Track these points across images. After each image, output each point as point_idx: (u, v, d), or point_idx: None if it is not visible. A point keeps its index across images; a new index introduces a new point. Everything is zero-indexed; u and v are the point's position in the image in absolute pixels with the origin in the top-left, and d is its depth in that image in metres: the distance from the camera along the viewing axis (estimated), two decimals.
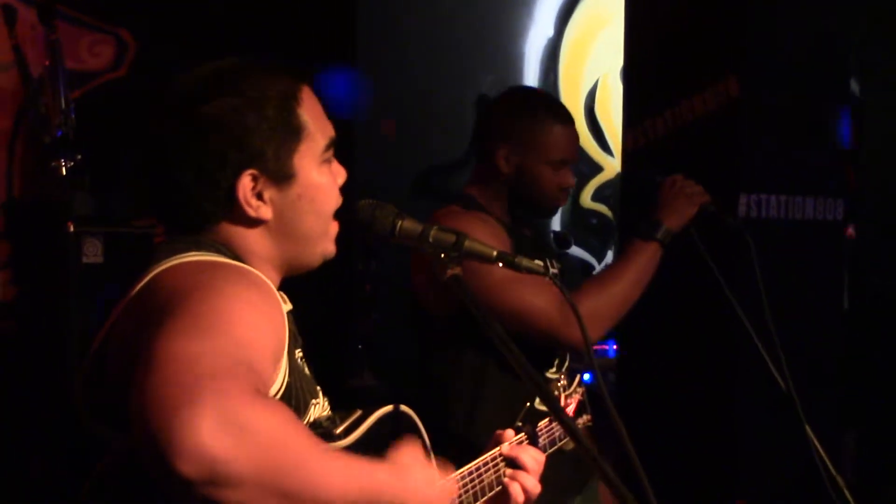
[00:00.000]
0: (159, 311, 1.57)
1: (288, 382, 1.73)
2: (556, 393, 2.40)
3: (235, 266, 1.74)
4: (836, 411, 3.83)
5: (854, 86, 4.16)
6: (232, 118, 1.76)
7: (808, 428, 2.88)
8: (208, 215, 1.79)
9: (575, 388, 2.40)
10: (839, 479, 2.91)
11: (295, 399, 1.75)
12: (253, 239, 1.82)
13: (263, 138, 1.78)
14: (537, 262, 2.05)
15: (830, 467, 2.90)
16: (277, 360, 1.69)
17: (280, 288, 1.90)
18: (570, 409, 2.42)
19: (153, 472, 1.43)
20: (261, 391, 1.54)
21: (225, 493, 1.43)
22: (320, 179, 1.86)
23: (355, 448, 1.83)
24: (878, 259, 4.50)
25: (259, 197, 1.79)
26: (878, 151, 4.52)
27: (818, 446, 2.89)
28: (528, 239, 3.02)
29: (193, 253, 1.73)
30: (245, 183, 1.77)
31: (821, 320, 3.84)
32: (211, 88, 1.79)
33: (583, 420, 2.43)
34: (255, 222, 1.80)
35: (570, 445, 2.32)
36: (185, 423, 1.39)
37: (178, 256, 1.72)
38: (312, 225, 1.86)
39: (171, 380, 1.44)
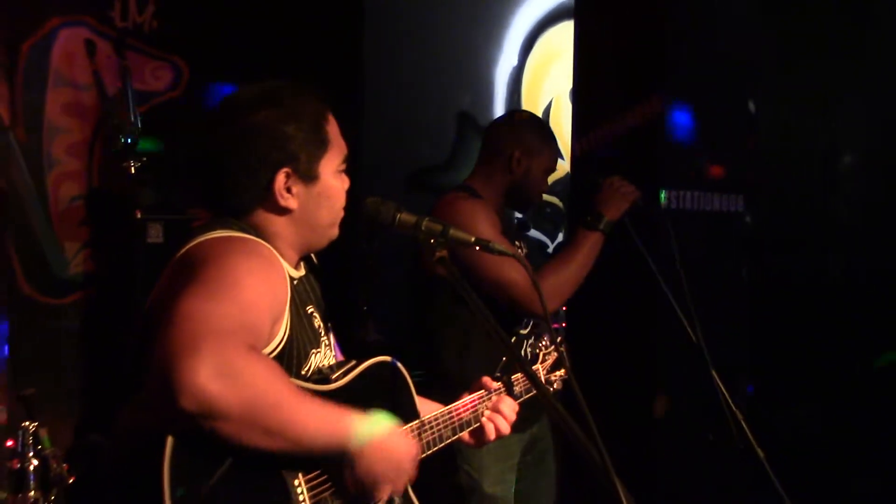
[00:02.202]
0: (183, 278, 1.58)
1: (289, 335, 1.73)
2: (538, 351, 2.37)
3: (248, 239, 1.74)
4: (735, 359, 3.84)
5: (751, 104, 4.15)
6: (275, 126, 1.77)
7: (713, 372, 2.89)
8: (248, 203, 1.79)
9: (552, 348, 2.39)
10: (737, 413, 2.92)
11: (296, 349, 1.76)
12: (279, 224, 1.81)
13: (299, 145, 1.78)
14: (508, 246, 2.04)
15: (730, 401, 2.91)
16: (277, 318, 1.69)
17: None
18: (548, 364, 2.39)
19: (162, 407, 1.45)
20: (255, 347, 1.56)
21: (217, 425, 1.46)
22: (336, 183, 1.87)
23: (344, 389, 1.82)
24: (769, 241, 4.51)
25: (289, 191, 1.79)
26: (769, 156, 4.53)
27: (720, 385, 2.90)
28: (508, 224, 3.09)
29: (219, 231, 1.73)
30: (280, 179, 1.78)
31: (725, 289, 3.86)
32: (258, 102, 1.79)
33: (559, 373, 2.40)
34: (283, 211, 1.81)
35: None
36: (187, 368, 1.42)
37: (206, 234, 1.72)
38: (326, 216, 1.87)
39: (181, 334, 1.46)
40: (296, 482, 1.66)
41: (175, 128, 3.98)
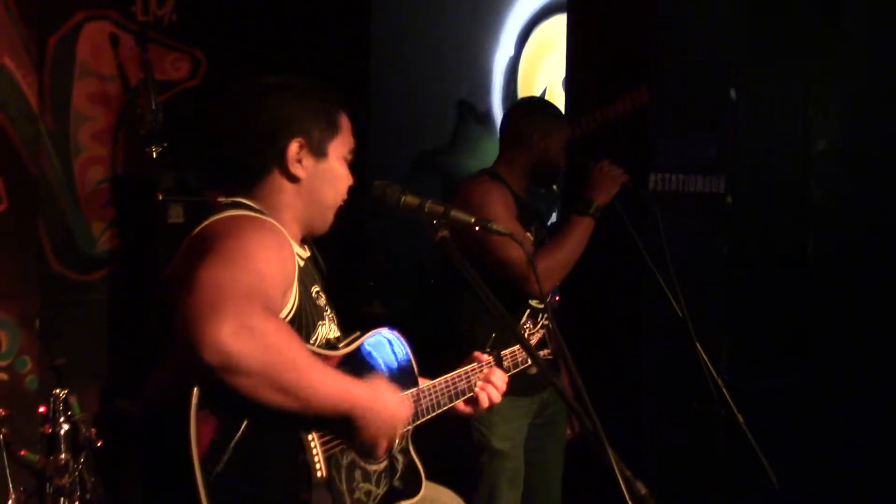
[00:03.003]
0: (199, 251, 1.61)
1: (298, 306, 1.75)
2: (523, 331, 2.37)
3: (259, 217, 1.76)
4: (716, 329, 3.82)
5: (732, 93, 4.12)
6: (293, 102, 1.83)
7: (697, 343, 2.89)
8: (261, 170, 1.82)
9: (538, 329, 2.38)
10: (718, 380, 2.91)
11: (305, 319, 1.78)
12: (288, 194, 1.83)
13: (313, 121, 1.83)
14: (506, 228, 2.02)
15: (712, 371, 2.91)
16: (287, 288, 1.72)
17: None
18: (533, 342, 2.38)
19: (186, 364, 1.48)
20: (271, 310, 1.58)
21: (235, 380, 1.48)
22: (341, 169, 1.92)
23: (350, 358, 1.85)
24: (747, 219, 4.51)
25: (300, 162, 1.82)
26: (748, 142, 4.52)
27: (704, 356, 2.89)
28: (528, 206, 3.05)
29: (232, 210, 1.76)
30: (294, 147, 1.82)
31: (707, 264, 3.84)
32: (279, 86, 1.85)
33: (543, 353, 2.40)
34: (292, 179, 1.83)
35: (534, 370, 2.28)
36: (210, 327, 1.44)
37: (221, 212, 1.75)
38: (329, 196, 1.89)
39: (202, 297, 1.48)
40: (309, 437, 1.68)
41: (193, 115, 3.96)
